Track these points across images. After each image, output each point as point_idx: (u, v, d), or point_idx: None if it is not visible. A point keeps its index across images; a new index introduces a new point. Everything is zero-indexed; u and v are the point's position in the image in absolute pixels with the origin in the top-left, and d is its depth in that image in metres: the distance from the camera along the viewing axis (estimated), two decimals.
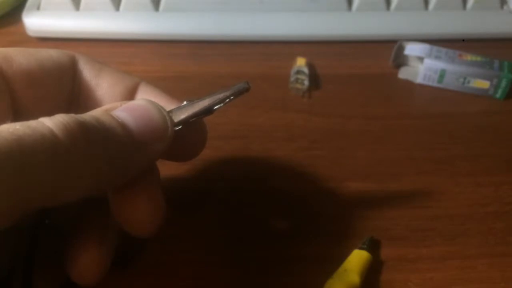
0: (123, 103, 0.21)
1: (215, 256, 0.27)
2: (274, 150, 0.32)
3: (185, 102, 0.23)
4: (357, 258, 0.25)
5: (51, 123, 0.17)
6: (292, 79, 0.36)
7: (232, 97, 0.23)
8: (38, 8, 0.41)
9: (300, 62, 0.37)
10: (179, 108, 0.23)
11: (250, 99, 0.35)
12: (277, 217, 0.28)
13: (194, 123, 0.23)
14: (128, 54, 0.40)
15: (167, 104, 0.23)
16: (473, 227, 0.28)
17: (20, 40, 0.41)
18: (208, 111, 0.23)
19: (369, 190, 0.29)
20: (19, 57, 0.23)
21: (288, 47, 0.40)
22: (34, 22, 0.41)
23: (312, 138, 0.33)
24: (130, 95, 0.25)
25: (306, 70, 0.36)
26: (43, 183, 0.17)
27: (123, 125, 0.20)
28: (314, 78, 0.37)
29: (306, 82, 0.36)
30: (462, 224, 0.28)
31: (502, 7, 0.41)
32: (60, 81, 0.24)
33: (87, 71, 0.25)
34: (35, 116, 0.22)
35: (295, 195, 0.30)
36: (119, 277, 0.25)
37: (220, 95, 0.23)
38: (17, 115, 0.23)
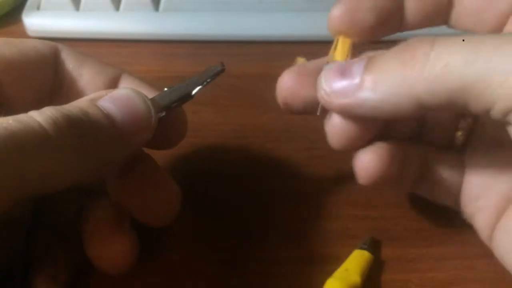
0: (108, 91, 0.22)
1: (214, 256, 0.27)
2: (274, 150, 0.32)
3: (165, 89, 0.24)
4: (358, 258, 0.25)
5: (40, 118, 0.18)
6: None
7: (209, 80, 0.24)
8: (38, 8, 0.41)
9: (300, 62, 0.37)
10: (160, 95, 0.23)
11: (250, 99, 0.35)
12: (277, 217, 0.28)
13: (174, 110, 0.24)
14: (128, 54, 0.40)
15: (149, 93, 0.24)
16: (473, 227, 0.28)
17: None
18: (188, 95, 0.24)
19: (369, 190, 0.29)
20: (2, 48, 0.23)
21: (288, 47, 0.40)
22: (34, 22, 0.41)
23: (312, 138, 0.33)
24: (112, 85, 0.26)
25: None
26: (33, 173, 0.18)
27: (108, 116, 0.20)
28: None
29: None
30: (462, 224, 0.28)
31: None
32: (42, 71, 0.24)
33: (70, 62, 0.25)
34: (17, 106, 0.23)
35: (295, 195, 0.30)
36: (119, 277, 0.25)
37: (198, 79, 0.24)
38: (0, 104, 0.23)
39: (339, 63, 0.22)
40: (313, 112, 0.24)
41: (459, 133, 0.26)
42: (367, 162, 0.24)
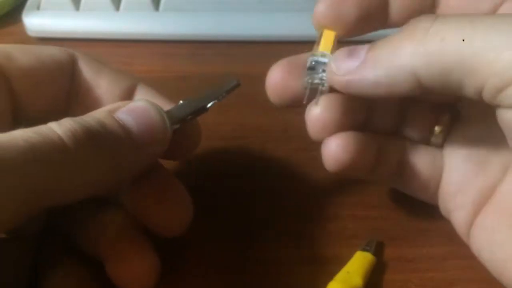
0: (125, 103, 0.22)
1: (213, 256, 0.27)
2: (274, 150, 0.32)
3: (180, 102, 0.24)
4: (361, 260, 0.25)
5: (60, 130, 0.19)
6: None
7: (224, 94, 0.25)
8: (38, 8, 0.41)
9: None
10: (176, 108, 0.24)
11: (250, 99, 0.35)
12: (276, 218, 0.28)
13: (189, 122, 0.24)
14: (128, 54, 0.40)
15: (164, 105, 0.24)
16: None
17: (20, 40, 0.41)
18: (203, 108, 0.24)
19: (369, 190, 0.29)
20: (19, 54, 0.24)
21: (288, 47, 0.40)
22: (34, 22, 0.41)
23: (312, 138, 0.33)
24: (129, 95, 0.26)
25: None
26: (51, 185, 0.18)
27: (125, 128, 0.21)
28: None
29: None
30: None
31: None
32: (59, 79, 0.25)
33: (87, 70, 0.25)
34: (32, 112, 0.23)
35: (295, 196, 0.30)
36: None
37: (213, 93, 0.24)
38: (16, 111, 0.23)
39: (347, 47, 0.23)
40: (302, 105, 0.24)
41: (437, 128, 0.26)
42: (334, 148, 0.24)
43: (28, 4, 0.42)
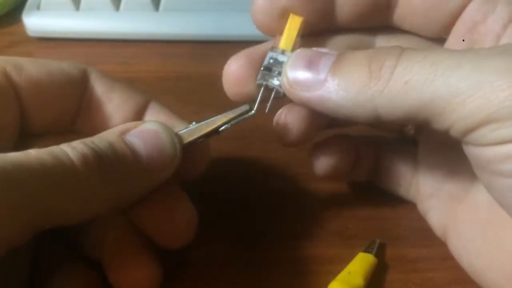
0: (137, 123, 0.22)
1: (214, 257, 0.27)
2: (274, 150, 0.32)
3: (193, 123, 0.24)
4: (362, 261, 0.25)
5: (72, 154, 0.19)
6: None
7: (238, 120, 0.24)
8: (38, 8, 0.41)
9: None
10: (187, 130, 0.24)
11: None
12: (277, 218, 0.28)
13: (199, 144, 0.24)
14: (128, 54, 0.40)
15: (176, 124, 0.24)
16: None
17: (20, 40, 0.41)
18: (215, 131, 0.24)
19: (369, 190, 0.29)
20: (29, 65, 0.24)
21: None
22: (34, 22, 0.41)
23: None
24: (140, 111, 0.26)
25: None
26: (60, 206, 0.19)
27: (134, 153, 0.21)
28: None
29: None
30: None
31: None
32: (68, 92, 0.24)
33: (99, 86, 0.25)
34: (38, 124, 0.24)
35: (295, 196, 0.30)
36: None
37: (226, 118, 0.24)
38: (23, 122, 0.23)
39: (306, 52, 0.22)
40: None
41: (408, 128, 0.26)
42: (323, 158, 0.26)
43: (28, 4, 0.42)
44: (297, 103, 0.22)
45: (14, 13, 0.43)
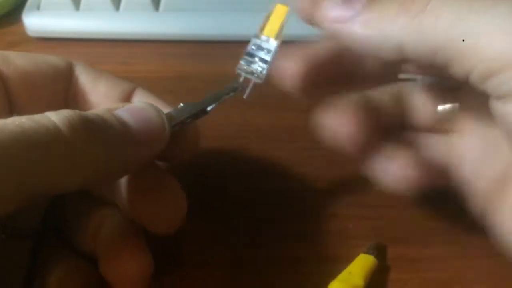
0: (124, 104, 0.22)
1: (214, 256, 0.27)
2: (274, 150, 0.32)
3: (181, 104, 0.24)
4: (363, 262, 0.25)
5: (56, 117, 0.18)
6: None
7: (225, 97, 0.24)
8: (38, 8, 0.41)
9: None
10: (175, 110, 0.24)
11: (250, 99, 0.35)
12: (277, 218, 0.28)
13: (188, 125, 0.24)
14: (128, 54, 0.40)
15: (162, 108, 0.24)
16: (473, 227, 0.28)
17: (20, 40, 0.41)
18: (203, 111, 0.24)
19: (370, 190, 0.29)
20: (16, 57, 0.24)
21: (288, 47, 0.40)
22: (34, 22, 0.41)
23: (312, 138, 0.33)
24: (127, 99, 0.26)
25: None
26: (45, 171, 0.18)
27: (123, 123, 0.21)
28: None
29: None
30: (462, 224, 0.28)
31: None
32: (55, 83, 0.25)
33: (84, 76, 0.25)
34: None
35: (295, 195, 0.30)
36: None
37: (214, 96, 0.24)
38: (12, 113, 0.24)
39: None
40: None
41: (442, 108, 0.25)
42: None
43: (28, 4, 0.42)
44: (329, 34, 0.23)
45: (14, 13, 0.43)
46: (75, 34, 0.41)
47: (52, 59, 0.25)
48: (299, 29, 0.23)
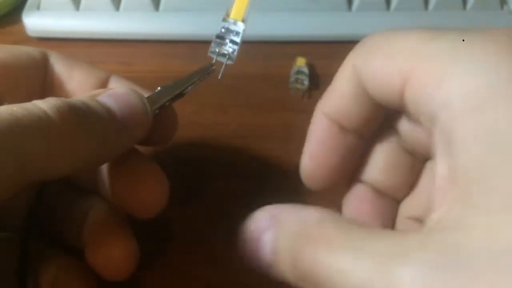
0: (106, 90, 0.23)
1: (212, 257, 0.27)
2: (274, 150, 0.32)
3: (159, 88, 0.25)
4: None
5: (44, 105, 0.19)
6: (292, 79, 0.36)
7: (201, 79, 0.25)
8: (38, 8, 0.41)
9: (300, 62, 0.37)
10: (154, 94, 0.24)
11: (250, 99, 0.35)
12: None
13: (167, 108, 0.25)
14: (128, 54, 0.40)
15: (141, 92, 0.24)
16: None
17: (20, 40, 0.41)
18: (180, 94, 0.25)
19: None
20: None
21: (288, 47, 0.40)
22: (34, 22, 0.41)
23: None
24: (102, 87, 0.26)
25: (306, 70, 0.37)
26: (38, 157, 0.18)
27: (108, 109, 0.21)
28: (314, 78, 0.37)
29: (306, 82, 0.36)
30: None
31: (502, 7, 0.41)
32: (34, 74, 0.25)
33: (59, 65, 0.26)
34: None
35: (295, 195, 0.30)
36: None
37: (189, 79, 0.25)
38: None
39: None
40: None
41: None
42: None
43: (28, 4, 0.42)
44: None
45: (14, 13, 0.43)
46: (75, 34, 0.41)
47: (28, 49, 0.26)
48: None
